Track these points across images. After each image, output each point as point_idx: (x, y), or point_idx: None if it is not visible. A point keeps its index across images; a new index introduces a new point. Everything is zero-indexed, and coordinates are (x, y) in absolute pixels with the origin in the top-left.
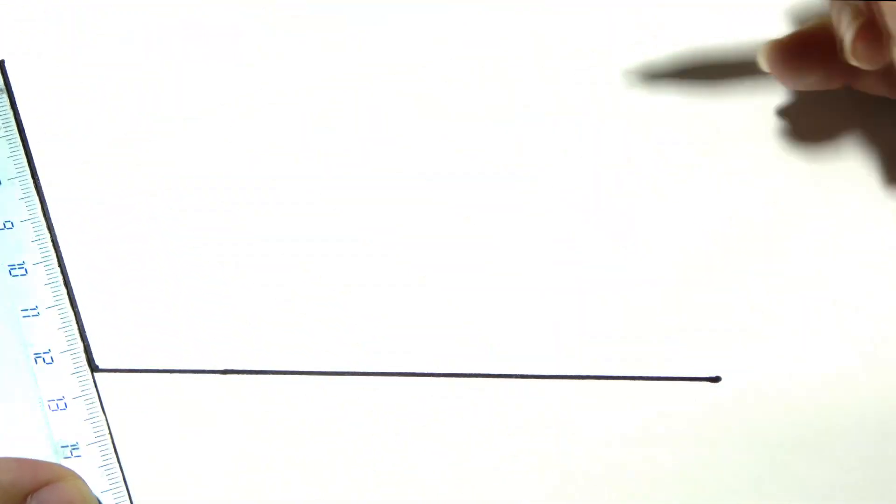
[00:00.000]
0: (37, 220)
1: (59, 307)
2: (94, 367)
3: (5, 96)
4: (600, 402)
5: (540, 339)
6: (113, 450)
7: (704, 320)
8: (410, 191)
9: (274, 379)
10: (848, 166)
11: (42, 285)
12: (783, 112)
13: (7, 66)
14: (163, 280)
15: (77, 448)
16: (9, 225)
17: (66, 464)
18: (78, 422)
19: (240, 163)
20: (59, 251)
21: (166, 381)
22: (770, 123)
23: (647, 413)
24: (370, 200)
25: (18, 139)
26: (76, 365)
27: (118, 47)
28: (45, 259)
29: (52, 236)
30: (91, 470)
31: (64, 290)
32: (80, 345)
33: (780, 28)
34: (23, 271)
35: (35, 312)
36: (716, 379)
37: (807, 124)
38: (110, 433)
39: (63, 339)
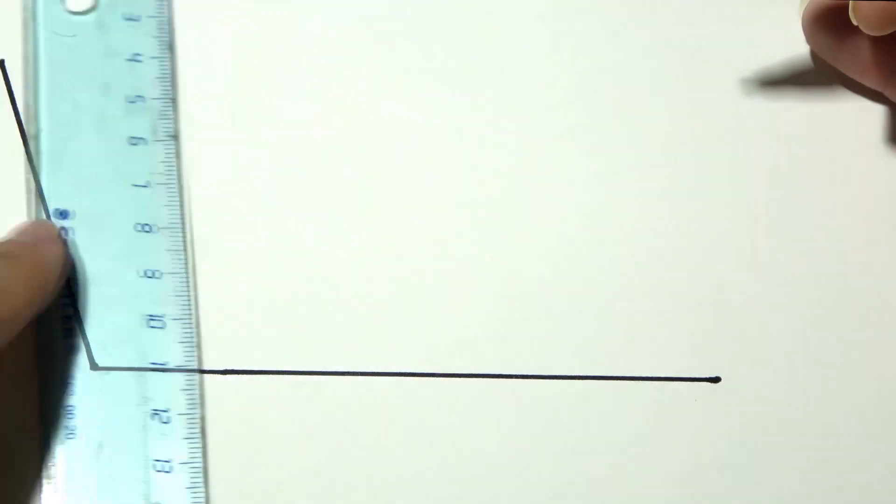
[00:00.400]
0: None
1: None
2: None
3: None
4: (600, 403)
5: (540, 340)
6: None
7: (704, 320)
8: (420, 192)
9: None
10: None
11: None
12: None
13: (7, 66)
14: None
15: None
16: None
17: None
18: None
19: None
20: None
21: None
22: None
23: (647, 413)
24: (376, 200)
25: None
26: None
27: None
28: None
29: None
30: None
31: None
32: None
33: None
34: None
35: None
36: (716, 379)
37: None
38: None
39: None
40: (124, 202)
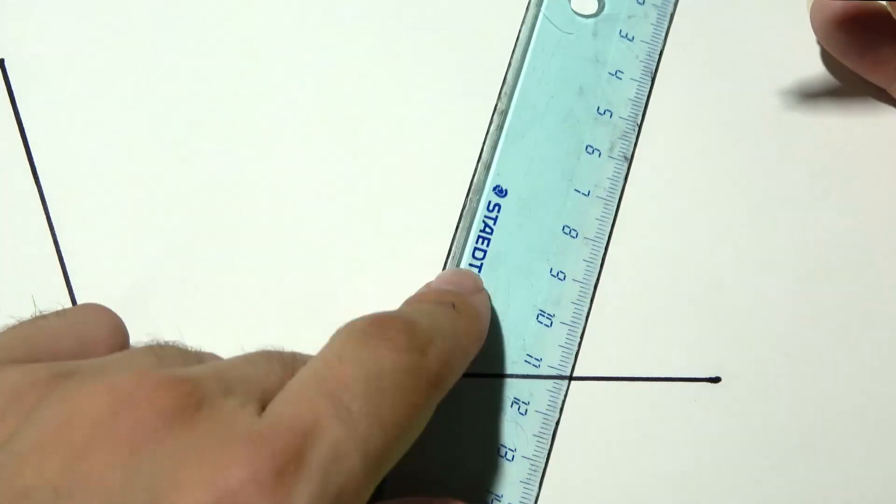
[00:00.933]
0: None
1: None
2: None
3: None
4: (600, 402)
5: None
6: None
7: (704, 320)
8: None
9: None
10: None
11: None
12: None
13: (7, 65)
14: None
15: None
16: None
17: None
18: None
19: (229, 164)
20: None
21: None
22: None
23: (647, 413)
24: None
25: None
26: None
27: (119, 47)
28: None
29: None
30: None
31: None
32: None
33: None
34: None
35: None
36: (716, 379)
37: None
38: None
39: None
40: (561, 201)
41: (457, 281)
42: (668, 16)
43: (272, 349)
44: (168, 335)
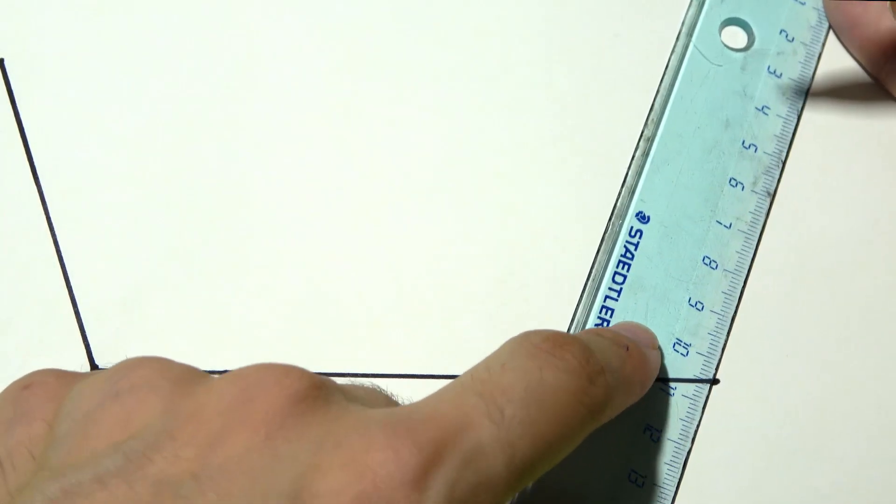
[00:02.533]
0: None
1: None
2: None
3: None
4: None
5: None
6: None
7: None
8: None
9: None
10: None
11: None
12: None
13: (7, 65)
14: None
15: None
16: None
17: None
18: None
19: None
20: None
21: None
22: None
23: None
24: (372, 200)
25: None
26: None
27: (120, 47)
28: None
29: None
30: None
31: None
32: None
33: None
34: None
35: None
36: (715, 381)
37: None
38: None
39: None
40: (702, 231)
41: (635, 331)
42: (817, 55)
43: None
44: (168, 335)
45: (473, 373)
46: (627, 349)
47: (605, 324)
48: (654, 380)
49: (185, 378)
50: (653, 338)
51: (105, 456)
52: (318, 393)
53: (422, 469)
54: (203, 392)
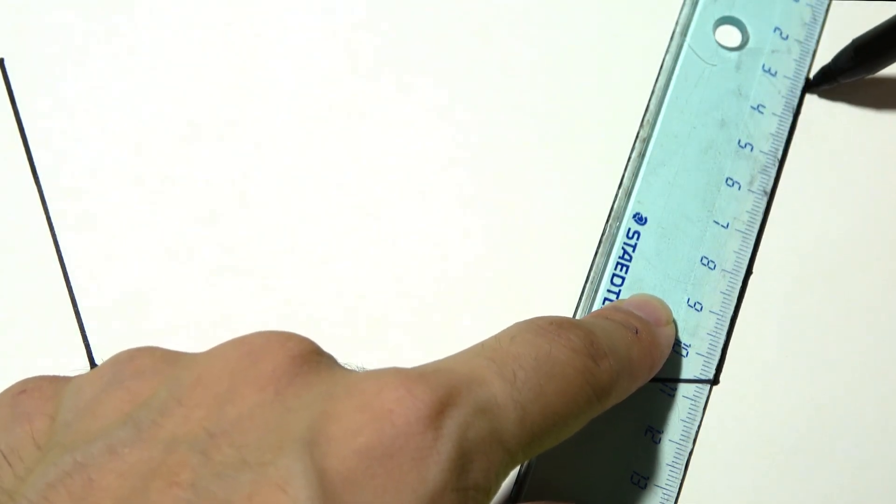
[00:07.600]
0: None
1: None
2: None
3: None
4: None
5: None
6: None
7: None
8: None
9: None
10: None
11: None
12: None
13: (7, 65)
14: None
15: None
16: None
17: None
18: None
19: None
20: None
21: None
22: None
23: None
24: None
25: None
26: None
27: (120, 47)
28: None
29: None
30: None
31: None
32: None
33: None
34: None
35: None
36: (715, 381)
37: None
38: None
39: None
40: (700, 232)
41: (649, 308)
42: (811, 52)
43: None
44: (168, 335)
45: (483, 343)
46: (637, 332)
47: None
48: (665, 359)
49: (184, 356)
50: (667, 313)
51: (115, 428)
52: (320, 358)
53: (436, 407)
54: (204, 359)
